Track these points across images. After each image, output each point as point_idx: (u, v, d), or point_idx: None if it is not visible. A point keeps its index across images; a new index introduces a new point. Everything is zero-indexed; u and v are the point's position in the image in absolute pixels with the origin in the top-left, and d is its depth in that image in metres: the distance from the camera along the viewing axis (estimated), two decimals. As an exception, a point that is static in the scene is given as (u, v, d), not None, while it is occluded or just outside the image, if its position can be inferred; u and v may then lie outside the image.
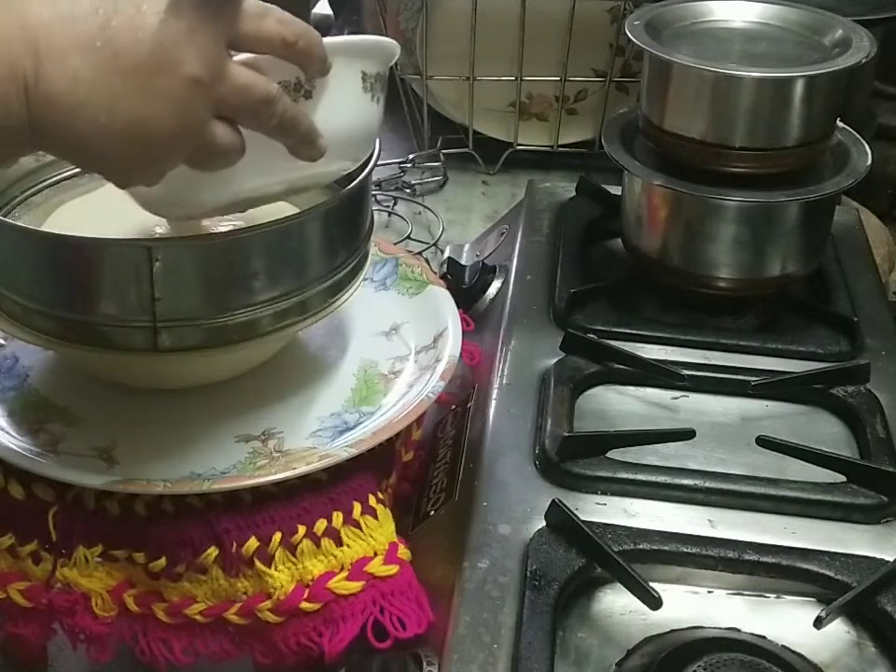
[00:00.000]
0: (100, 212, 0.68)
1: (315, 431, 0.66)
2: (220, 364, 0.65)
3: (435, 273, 0.80)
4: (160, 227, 0.65)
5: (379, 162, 0.65)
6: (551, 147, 1.17)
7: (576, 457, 0.65)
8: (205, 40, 0.49)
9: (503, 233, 0.93)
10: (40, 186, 0.72)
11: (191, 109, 0.49)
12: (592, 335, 0.76)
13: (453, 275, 0.87)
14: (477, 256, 0.92)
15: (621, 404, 0.73)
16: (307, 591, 0.59)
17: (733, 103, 0.74)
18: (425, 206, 1.10)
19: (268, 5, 0.53)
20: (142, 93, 0.48)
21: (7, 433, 0.64)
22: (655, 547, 0.60)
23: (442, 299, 0.75)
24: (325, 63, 0.55)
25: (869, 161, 0.78)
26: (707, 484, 0.64)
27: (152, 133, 0.49)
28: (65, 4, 0.48)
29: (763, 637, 0.57)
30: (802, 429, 0.71)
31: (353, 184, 0.63)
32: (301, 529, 0.60)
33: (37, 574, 0.61)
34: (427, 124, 1.16)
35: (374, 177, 0.74)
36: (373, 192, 1.01)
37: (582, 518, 0.60)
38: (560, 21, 1.09)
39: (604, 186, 0.93)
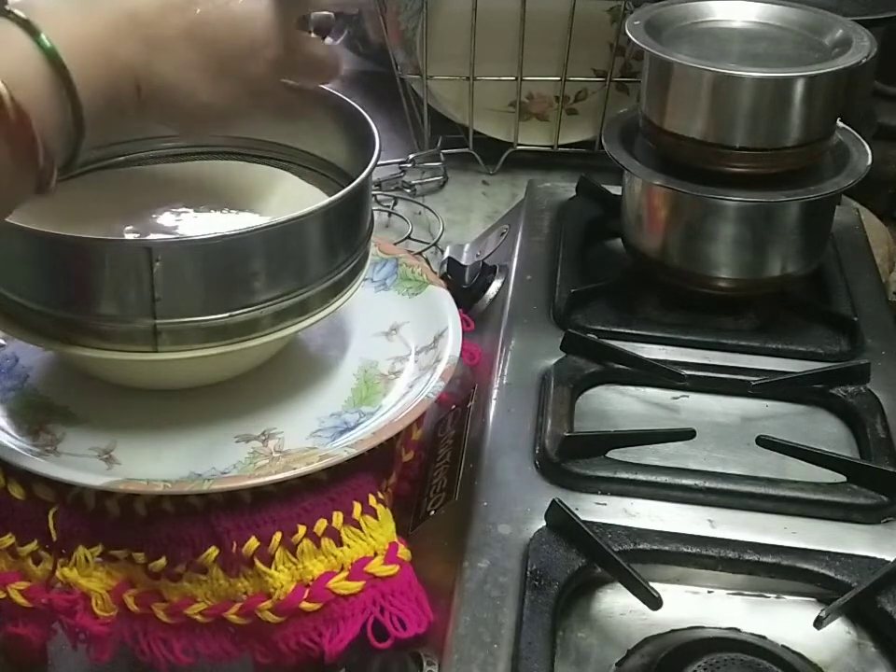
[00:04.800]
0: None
1: (315, 431, 0.66)
2: (220, 364, 0.65)
3: (435, 272, 0.80)
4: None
5: (379, 162, 0.65)
6: (551, 146, 1.17)
7: (576, 457, 0.65)
8: (282, 18, 0.58)
9: (503, 233, 0.93)
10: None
11: (267, 86, 0.60)
12: (592, 335, 0.76)
13: (453, 275, 0.87)
14: (477, 256, 0.92)
15: (621, 404, 0.73)
16: (307, 591, 0.59)
17: (733, 103, 0.74)
18: (425, 206, 1.09)
19: None
20: (236, 76, 0.57)
21: (7, 433, 0.64)
22: (655, 547, 0.60)
23: (442, 299, 0.75)
24: None
25: (869, 161, 0.78)
26: (707, 484, 0.64)
27: (237, 107, 0.59)
28: None
29: (763, 637, 0.57)
30: (802, 429, 0.71)
31: (353, 184, 0.63)
32: (302, 529, 0.60)
33: (37, 574, 0.61)
34: (427, 124, 1.16)
35: (374, 177, 0.74)
36: (373, 192, 1.01)
37: (582, 518, 0.60)
38: (560, 21, 1.09)
39: (604, 186, 0.93)
